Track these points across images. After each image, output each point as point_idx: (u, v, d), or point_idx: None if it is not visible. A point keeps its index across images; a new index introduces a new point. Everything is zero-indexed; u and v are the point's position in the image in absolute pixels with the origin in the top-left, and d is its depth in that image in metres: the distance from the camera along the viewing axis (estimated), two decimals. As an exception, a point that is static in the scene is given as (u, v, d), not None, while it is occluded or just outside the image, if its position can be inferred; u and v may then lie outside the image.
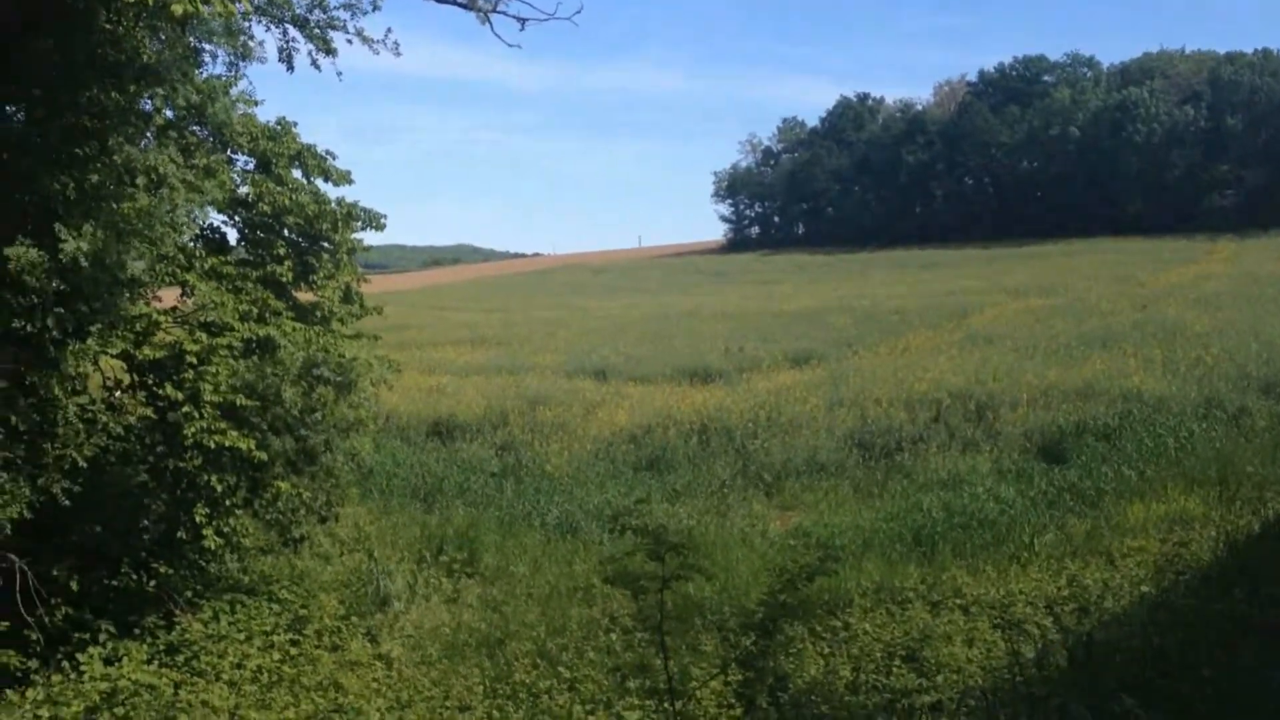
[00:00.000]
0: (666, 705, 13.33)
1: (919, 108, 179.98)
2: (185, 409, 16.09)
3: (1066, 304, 59.39)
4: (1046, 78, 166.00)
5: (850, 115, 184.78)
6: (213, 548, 16.81)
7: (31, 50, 13.73)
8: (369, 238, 20.25)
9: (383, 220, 20.49)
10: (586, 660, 16.00)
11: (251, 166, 19.19)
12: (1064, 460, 27.26)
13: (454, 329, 63.60)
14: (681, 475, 29.07)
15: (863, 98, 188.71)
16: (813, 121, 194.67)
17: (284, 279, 18.81)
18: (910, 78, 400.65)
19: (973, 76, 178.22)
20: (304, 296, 19.52)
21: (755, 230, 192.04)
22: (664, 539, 10.16)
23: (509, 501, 26.74)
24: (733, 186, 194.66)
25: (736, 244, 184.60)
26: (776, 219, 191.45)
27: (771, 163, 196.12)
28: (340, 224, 19.54)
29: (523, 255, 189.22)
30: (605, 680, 15.19)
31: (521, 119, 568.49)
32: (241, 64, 17.82)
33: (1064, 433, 29.32)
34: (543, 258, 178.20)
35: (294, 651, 15.87)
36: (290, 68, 16.73)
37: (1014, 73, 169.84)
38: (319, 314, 19.33)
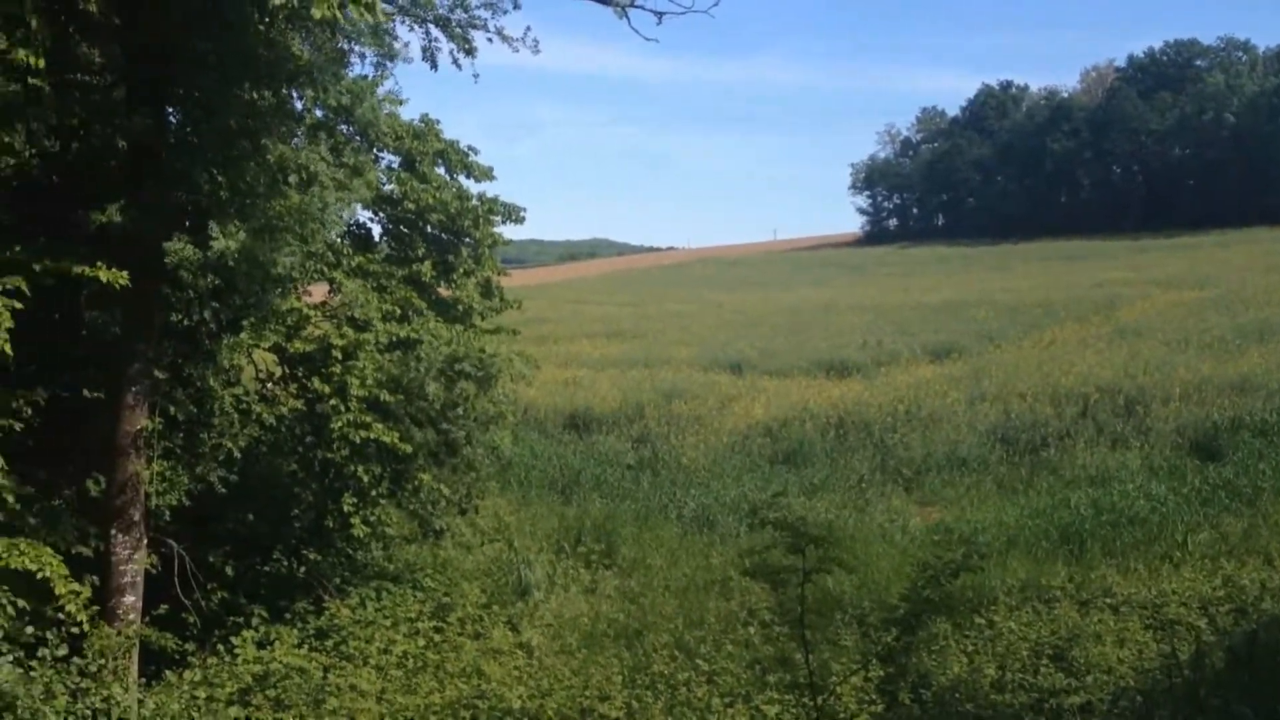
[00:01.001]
0: (806, 700, 13.23)
1: (1064, 95, 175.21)
2: (333, 402, 16.52)
3: (1220, 296, 57.16)
4: (1199, 62, 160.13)
5: (993, 104, 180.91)
6: (360, 536, 17.24)
7: (190, 52, 14.23)
8: (507, 232, 20.56)
9: (522, 214, 20.75)
10: (724, 653, 15.97)
11: (396, 164, 19.62)
12: (1218, 457, 26.27)
13: (589, 323, 64.11)
14: (818, 469, 28.84)
15: (1005, 86, 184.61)
16: (953, 111, 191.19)
17: (426, 277, 19.17)
18: (1055, 65, 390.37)
19: (1121, 62, 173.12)
20: (445, 292, 19.88)
21: (893, 222, 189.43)
22: (804, 532, 10.09)
23: (645, 494, 26.86)
24: (870, 178, 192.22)
25: (874, 236, 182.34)
26: (915, 210, 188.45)
27: (910, 153, 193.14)
28: (481, 219, 19.85)
29: (657, 249, 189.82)
30: (744, 674, 15.15)
31: (657, 113, 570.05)
32: (388, 64, 18.23)
33: (1219, 428, 28.27)
34: (677, 251, 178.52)
35: (438, 638, 16.16)
36: (434, 66, 17.02)
37: (1164, 58, 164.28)
38: (460, 309, 19.66)
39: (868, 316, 60.26)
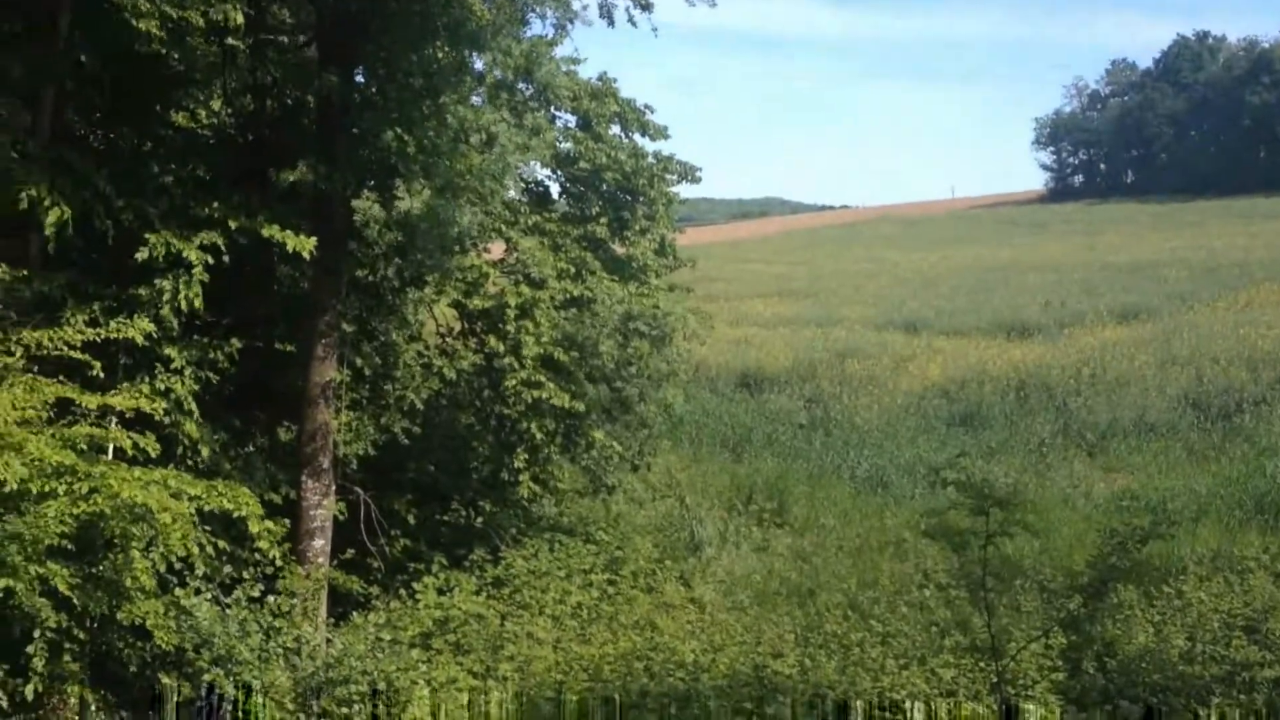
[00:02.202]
0: (984, 664, 12.97)
1: (1265, 45, 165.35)
2: (508, 359, 16.79)
3: None
4: None
5: (1187, 55, 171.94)
6: (528, 494, 17.54)
7: (378, 13, 14.56)
8: (682, 190, 20.54)
9: (698, 173, 20.68)
10: (899, 615, 15.76)
11: (573, 123, 19.73)
12: None
13: (761, 281, 63.72)
14: (997, 432, 28.17)
15: (1202, 36, 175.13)
16: (1145, 63, 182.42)
17: (601, 235, 19.29)
18: (1255, 13, 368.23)
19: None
20: (620, 249, 19.97)
21: (1079, 179, 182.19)
22: (988, 493, 9.83)
23: (817, 453, 26.67)
24: (1055, 133, 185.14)
25: (1058, 194, 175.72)
26: (1102, 166, 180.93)
27: (1098, 107, 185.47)
28: (656, 178, 19.83)
29: (831, 208, 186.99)
30: (919, 636, 14.93)
31: (832, 68, 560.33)
32: (567, 24, 18.33)
33: None
34: (852, 210, 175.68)
35: (611, 590, 16.40)
36: (610, 22, 17.02)
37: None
38: (634, 267, 19.74)
39: (1051, 276, 58.30)
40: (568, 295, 17.65)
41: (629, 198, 19.85)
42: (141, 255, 13.90)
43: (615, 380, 18.16)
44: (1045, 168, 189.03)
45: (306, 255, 14.51)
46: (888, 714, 12.69)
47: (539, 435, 16.88)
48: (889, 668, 13.83)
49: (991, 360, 35.26)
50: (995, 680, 11.96)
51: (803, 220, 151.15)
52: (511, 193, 18.20)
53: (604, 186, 19.60)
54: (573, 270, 18.23)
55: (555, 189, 20.13)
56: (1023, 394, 31.43)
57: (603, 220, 19.35)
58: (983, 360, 35.40)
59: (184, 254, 13.88)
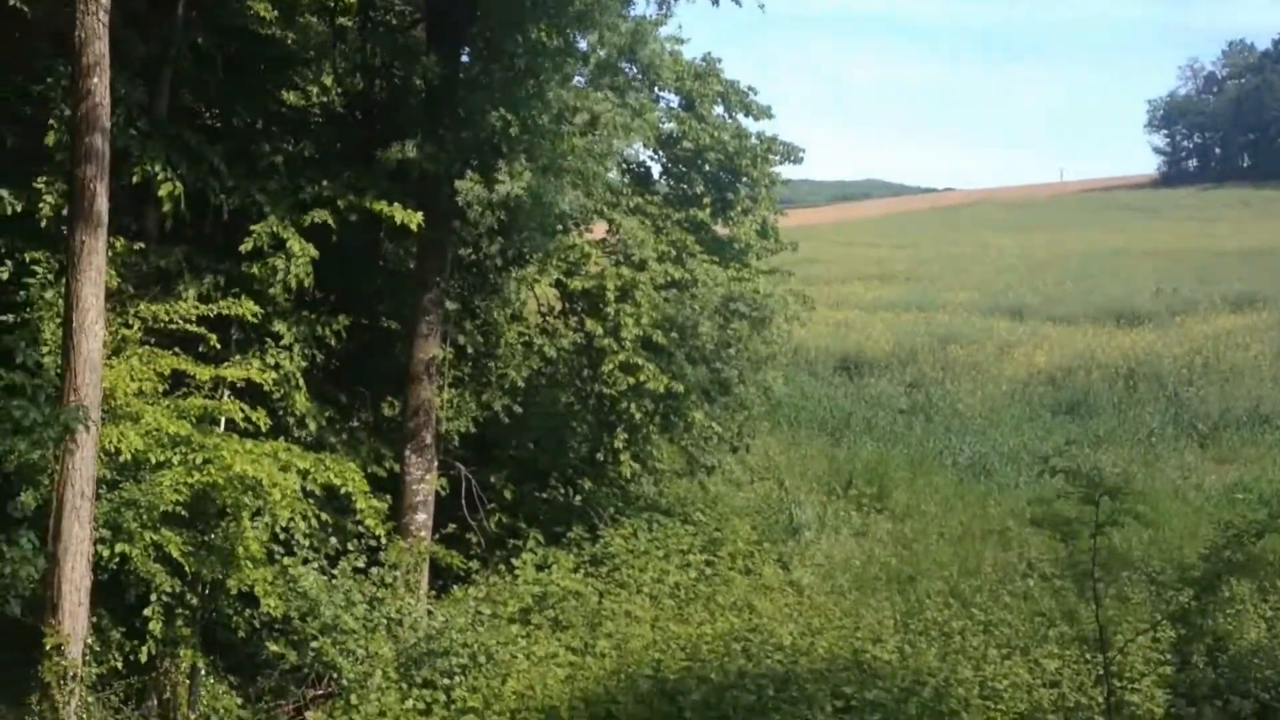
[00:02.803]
0: (1090, 656, 12.72)
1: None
2: (606, 340, 16.83)
3: None
4: None
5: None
6: (627, 474, 17.56)
7: (483, -5, 14.68)
8: (784, 171, 20.36)
9: (801, 154, 20.50)
10: (1002, 604, 15.52)
11: (677, 104, 19.66)
12: None
13: (862, 264, 63.04)
14: (1104, 421, 27.55)
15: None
16: (1263, 45, 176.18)
17: (702, 219, 19.20)
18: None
19: None
20: (721, 230, 19.88)
21: (1193, 163, 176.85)
22: (1099, 482, 9.61)
23: (918, 439, 26.35)
24: (1169, 116, 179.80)
25: (1171, 178, 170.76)
26: (1218, 150, 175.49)
27: (1214, 90, 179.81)
28: (760, 159, 19.69)
29: (934, 190, 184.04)
30: (1022, 625, 14.69)
31: (938, 48, 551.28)
32: (670, 4, 18.26)
33: None
34: (956, 193, 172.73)
35: (709, 571, 16.38)
36: (715, 1, 16.93)
37: None
38: (735, 248, 19.64)
39: (1162, 262, 56.77)
40: (669, 277, 17.61)
41: (731, 179, 19.75)
42: (246, 246, 14.27)
43: (715, 361, 18.08)
44: (1158, 151, 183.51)
45: (414, 228, 14.72)
46: (989, 703, 12.52)
47: (638, 415, 16.88)
48: (991, 657, 13.64)
49: (1100, 347, 34.49)
50: (1101, 672, 11.72)
51: (906, 203, 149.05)
52: (613, 174, 18.20)
53: (706, 167, 19.51)
54: (673, 253, 18.18)
55: (656, 170, 20.11)
56: (1131, 382, 30.71)
57: (705, 201, 19.27)
58: (1091, 347, 34.64)
59: (288, 242, 14.19)
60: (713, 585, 15.91)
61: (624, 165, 19.31)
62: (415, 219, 14.58)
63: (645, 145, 19.09)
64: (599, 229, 18.98)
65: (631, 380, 16.44)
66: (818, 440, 26.18)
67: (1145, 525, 12.51)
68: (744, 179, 19.85)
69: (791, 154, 20.22)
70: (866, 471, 22.45)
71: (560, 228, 16.93)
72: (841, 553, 18.25)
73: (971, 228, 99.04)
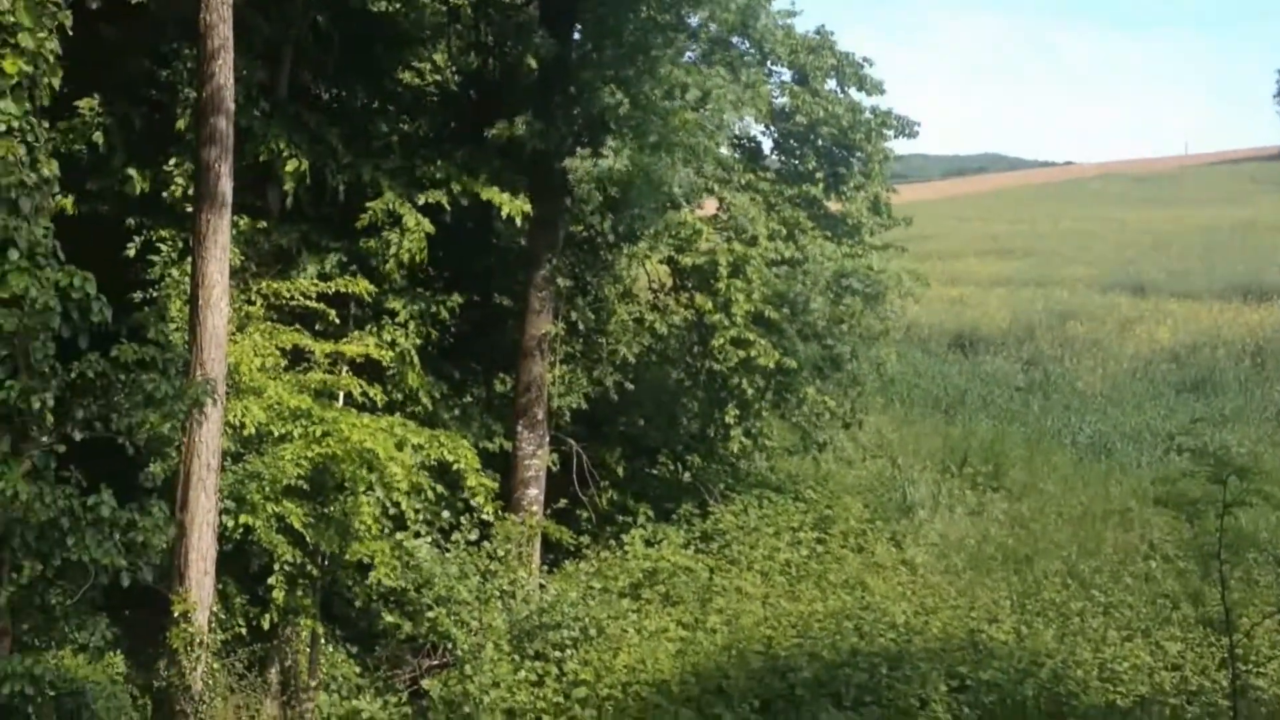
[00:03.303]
0: (1214, 639, 12.36)
1: None
2: (717, 316, 16.78)
3: None
4: None
5: None
6: (740, 449, 17.50)
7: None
8: (897, 146, 19.97)
9: (916, 128, 20.10)
10: (1123, 585, 15.15)
11: (788, 78, 19.46)
12: None
13: (977, 240, 61.72)
14: (1230, 399, 26.65)
15: None
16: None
17: (815, 195, 19.00)
18: None
19: None
20: (834, 206, 19.64)
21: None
22: (1226, 461, 9.29)
23: (1035, 417, 25.80)
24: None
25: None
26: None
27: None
28: (874, 133, 19.39)
29: (1053, 164, 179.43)
30: (1144, 608, 14.32)
31: (1062, 19, 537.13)
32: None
33: None
34: (1076, 166, 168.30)
35: (820, 549, 16.27)
36: (828, -28, 16.72)
37: None
38: (848, 224, 19.39)
39: (1292, 236, 54.57)
40: (780, 255, 17.46)
41: (844, 153, 19.47)
42: (362, 221, 14.53)
43: (826, 338, 17.90)
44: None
45: (518, 220, 14.85)
46: (1109, 686, 12.25)
47: (750, 391, 16.79)
48: (1111, 639, 13.33)
49: (1226, 324, 33.36)
50: (1226, 655, 11.36)
51: (1023, 177, 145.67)
52: (724, 149, 18.10)
53: (819, 142, 19.27)
54: (784, 231, 18.02)
55: (767, 145, 19.93)
56: (1259, 360, 29.65)
57: (818, 177, 19.04)
58: (1216, 324, 33.52)
59: (404, 218, 14.42)
60: (824, 563, 15.80)
61: (735, 141, 19.19)
62: (521, 209, 14.71)
63: (756, 120, 18.94)
64: (710, 205, 18.89)
65: (742, 355, 16.36)
66: (931, 418, 25.79)
67: (1274, 506, 12.04)
68: (857, 154, 19.55)
69: (906, 128, 19.84)
70: (982, 450, 22.06)
71: (671, 204, 16.90)
72: (956, 532, 17.97)
73: (1092, 201, 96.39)
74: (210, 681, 11.80)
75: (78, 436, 7.19)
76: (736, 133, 19.05)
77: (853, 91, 19.65)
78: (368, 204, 14.62)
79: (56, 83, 7.55)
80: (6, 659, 6.88)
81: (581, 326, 17.47)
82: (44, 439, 7.08)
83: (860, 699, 11.43)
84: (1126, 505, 18.48)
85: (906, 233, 21.47)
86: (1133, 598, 14.68)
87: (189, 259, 13.01)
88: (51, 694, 7.01)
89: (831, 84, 19.52)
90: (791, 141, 19.59)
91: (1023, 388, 28.88)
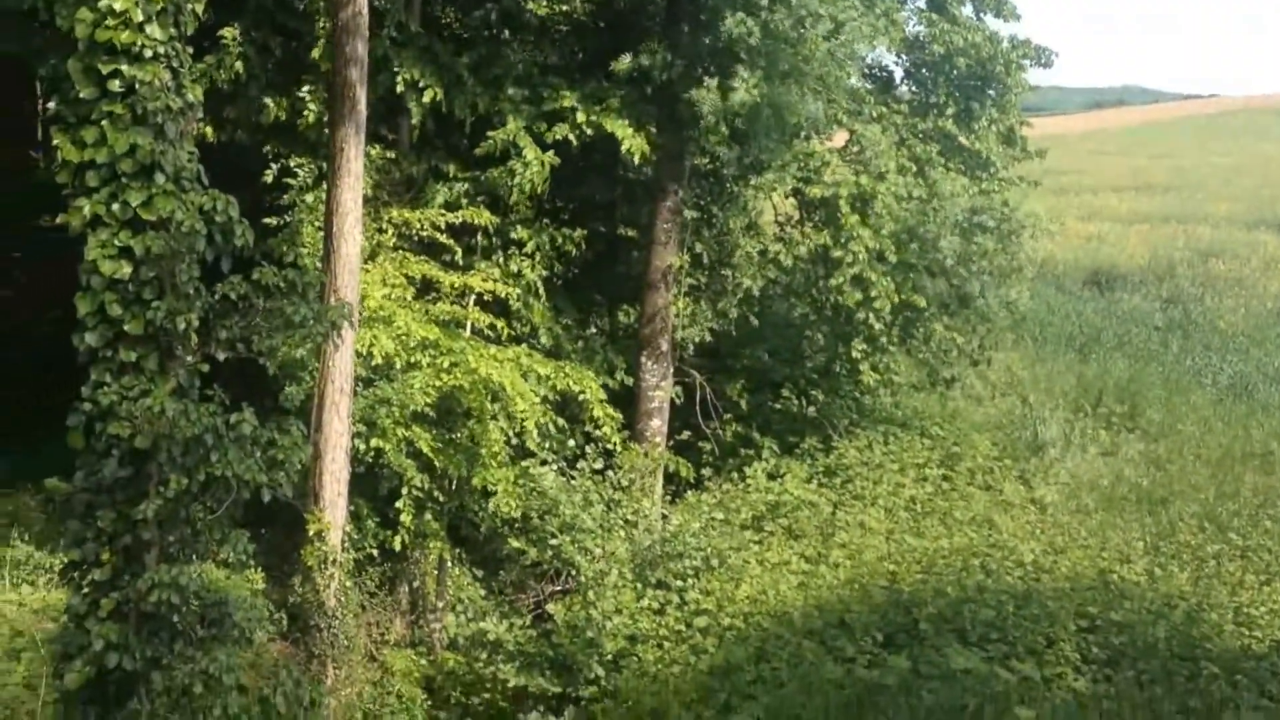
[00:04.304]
0: (1361, 588, 11.92)
1: None
2: (838, 253, 16.54)
3: None
4: None
5: None
6: (869, 383, 17.30)
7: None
8: (1032, 77, 19.27)
9: (1052, 57, 19.40)
10: (1261, 529, 14.68)
11: (924, 4, 18.90)
12: None
13: (1116, 175, 59.75)
14: (1384, 341, 25.51)
15: None
16: None
17: (949, 128, 18.50)
18: None
19: None
20: (965, 140, 19.10)
21: None
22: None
23: (1174, 357, 25.01)
24: None
25: None
26: None
27: None
28: (1012, 64, 18.75)
29: (1197, 97, 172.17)
30: (1284, 553, 13.88)
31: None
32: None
33: None
34: (1221, 99, 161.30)
35: (946, 486, 16.06)
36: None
37: None
38: (980, 158, 18.87)
39: None
40: (910, 190, 17.08)
41: (979, 84, 18.87)
42: (482, 150, 14.60)
43: (955, 276, 17.51)
44: None
45: (637, 158, 14.74)
46: (1244, 630, 11.91)
47: (876, 326, 16.53)
48: (1248, 583, 12.96)
49: (1384, 263, 31.89)
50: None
51: (1164, 110, 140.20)
52: (853, 79, 17.71)
53: (953, 73, 18.70)
54: (914, 167, 17.60)
55: (899, 75, 19.44)
56: None
57: (949, 110, 18.53)
58: (1371, 262, 32.07)
59: (524, 151, 14.46)
60: (950, 500, 15.59)
61: (865, 70, 18.78)
62: (643, 147, 14.61)
63: (889, 50, 18.47)
64: (839, 138, 18.54)
65: (859, 297, 16.12)
66: (1064, 357, 25.15)
67: None
68: (993, 85, 18.94)
69: (1042, 58, 19.11)
70: (1117, 389, 21.48)
71: (799, 135, 16.63)
72: (1088, 471, 17.57)
73: (1238, 136, 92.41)
74: (343, 599, 12.19)
75: (221, 356, 7.41)
76: (867, 62, 18.65)
77: (989, 19, 19.04)
78: (489, 134, 14.69)
79: (200, 9, 7.70)
80: (154, 569, 7.17)
81: (706, 259, 17.36)
82: (189, 358, 7.31)
83: (986, 636, 11.30)
84: (1268, 448, 17.88)
85: (1042, 167, 20.86)
86: (1272, 542, 14.24)
87: (323, 186, 13.30)
88: (196, 603, 7.30)
89: (967, 10, 18.92)
90: (923, 71, 19.07)
91: (1161, 327, 28.00)
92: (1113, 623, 11.47)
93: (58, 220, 7.34)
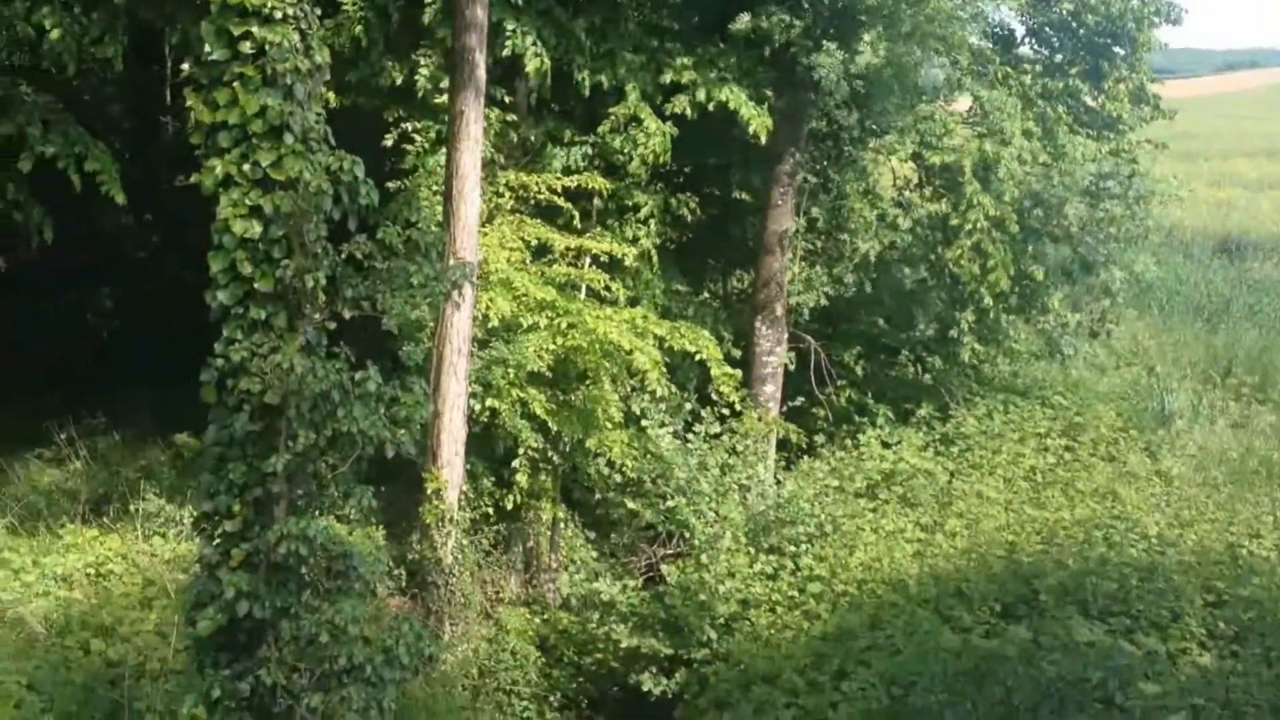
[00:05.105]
0: None
1: None
2: (955, 221, 16.23)
3: None
4: None
5: None
6: (968, 358, 16.90)
7: None
8: (1161, 35, 18.53)
9: (1182, 13, 18.69)
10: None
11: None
12: None
13: (1247, 140, 57.61)
14: None
15: None
16: None
17: (1077, 89, 17.97)
18: None
19: None
20: (1092, 101, 18.54)
21: None
22: None
23: (1310, 328, 24.08)
24: None
25: None
26: None
27: None
28: (1141, 20, 18.11)
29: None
30: None
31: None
32: None
33: None
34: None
35: (1068, 456, 15.72)
36: None
37: None
38: (1108, 119, 18.32)
39: None
40: (1034, 155, 16.65)
41: (1108, 42, 18.26)
42: (603, 129, 14.60)
43: (1079, 242, 17.06)
44: None
45: (762, 137, 14.57)
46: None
47: (988, 298, 16.20)
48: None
49: None
50: None
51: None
52: (974, 39, 17.30)
53: (1080, 30, 18.12)
54: (1039, 131, 17.14)
55: (1020, 32, 18.92)
56: None
57: (1073, 70, 18.00)
58: None
59: (645, 122, 14.42)
60: (1072, 471, 15.27)
61: (988, 30, 18.33)
62: (766, 125, 14.45)
63: (1012, 8, 17.99)
64: (961, 103, 18.12)
65: (976, 270, 15.80)
66: (1192, 326, 24.40)
67: None
68: (1121, 43, 18.33)
69: (1172, 13, 18.39)
70: (1248, 360, 20.80)
71: (921, 98, 16.31)
72: (1216, 444, 17.01)
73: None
74: (459, 556, 12.41)
75: (347, 315, 7.53)
76: (990, 21, 18.20)
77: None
78: (610, 109, 14.70)
79: (325, -28, 7.79)
80: (283, 521, 7.35)
81: (822, 223, 17.15)
82: (316, 316, 7.46)
83: (1108, 609, 11.09)
84: None
85: (1170, 131, 20.16)
86: None
87: (442, 150, 13.43)
88: (322, 555, 7.49)
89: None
90: (1048, 30, 18.55)
91: (1296, 295, 27.00)
92: (1240, 598, 11.18)
93: (190, 181, 7.51)
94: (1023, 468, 15.17)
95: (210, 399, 7.38)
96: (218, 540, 7.50)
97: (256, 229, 7.15)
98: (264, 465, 7.29)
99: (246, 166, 7.16)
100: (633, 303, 14.84)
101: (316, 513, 7.77)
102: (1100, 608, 11.14)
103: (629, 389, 13.82)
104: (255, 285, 7.21)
